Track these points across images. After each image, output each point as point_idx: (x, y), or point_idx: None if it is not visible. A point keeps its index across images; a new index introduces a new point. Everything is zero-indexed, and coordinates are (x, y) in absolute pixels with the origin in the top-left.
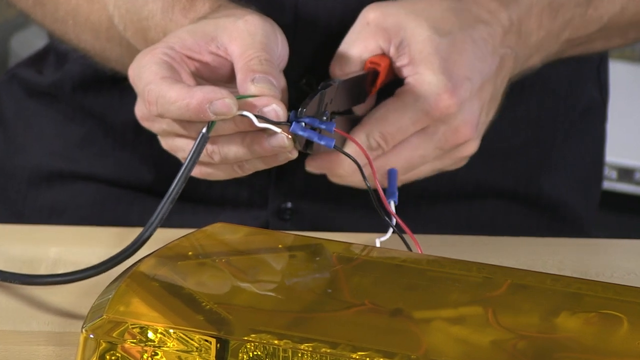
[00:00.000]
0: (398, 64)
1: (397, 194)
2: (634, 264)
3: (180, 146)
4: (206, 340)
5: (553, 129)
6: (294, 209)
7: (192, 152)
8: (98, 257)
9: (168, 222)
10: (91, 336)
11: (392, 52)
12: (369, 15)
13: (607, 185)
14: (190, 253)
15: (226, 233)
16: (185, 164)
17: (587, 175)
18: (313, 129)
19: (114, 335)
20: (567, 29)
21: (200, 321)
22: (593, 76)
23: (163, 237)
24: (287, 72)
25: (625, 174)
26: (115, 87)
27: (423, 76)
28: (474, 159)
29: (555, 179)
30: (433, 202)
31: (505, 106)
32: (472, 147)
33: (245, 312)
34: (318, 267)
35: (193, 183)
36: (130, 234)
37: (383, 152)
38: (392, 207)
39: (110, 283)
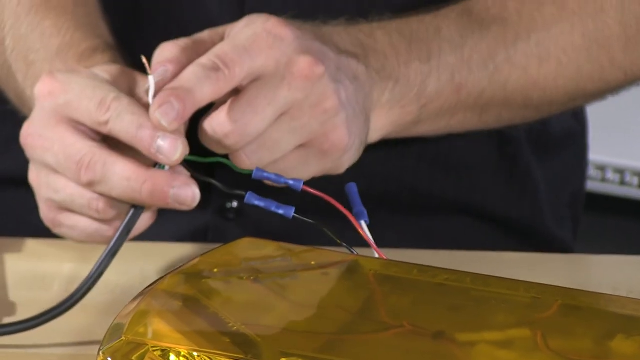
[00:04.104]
0: None
1: (365, 211)
2: None
3: (74, 224)
4: None
5: (521, 148)
6: (238, 208)
7: (123, 225)
8: (116, 273)
9: None
10: (109, 359)
11: None
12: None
13: None
14: (215, 270)
15: (254, 248)
16: (115, 239)
17: (563, 204)
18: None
19: (133, 358)
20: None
21: (227, 343)
22: None
23: (184, 252)
24: None
25: None
26: None
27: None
28: (438, 172)
29: (525, 201)
30: (393, 211)
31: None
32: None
33: (275, 334)
34: (353, 286)
35: None
36: (150, 248)
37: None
38: (365, 229)
39: (130, 302)
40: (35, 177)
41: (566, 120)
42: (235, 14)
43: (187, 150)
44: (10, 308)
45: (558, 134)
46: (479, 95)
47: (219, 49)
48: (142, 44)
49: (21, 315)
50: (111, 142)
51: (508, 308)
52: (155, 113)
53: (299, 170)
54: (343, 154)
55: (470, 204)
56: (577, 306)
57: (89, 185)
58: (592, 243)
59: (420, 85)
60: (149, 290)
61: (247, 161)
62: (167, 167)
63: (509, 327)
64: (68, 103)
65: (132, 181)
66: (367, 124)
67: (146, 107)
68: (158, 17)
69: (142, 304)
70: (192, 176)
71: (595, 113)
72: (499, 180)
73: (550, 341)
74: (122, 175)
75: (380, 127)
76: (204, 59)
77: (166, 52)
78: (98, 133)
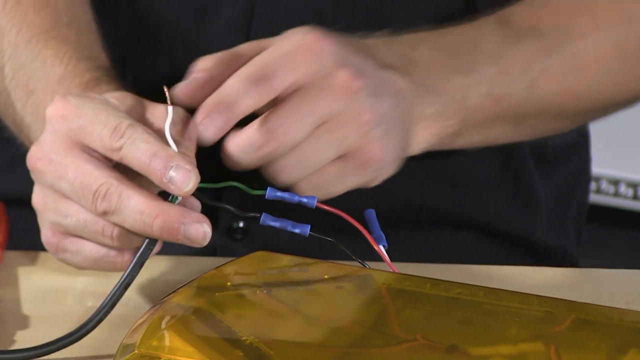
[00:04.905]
0: None
1: (384, 236)
2: None
3: (79, 249)
4: None
5: (525, 163)
6: (245, 228)
7: (137, 257)
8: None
9: None
10: None
11: None
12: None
13: None
14: (228, 283)
15: (267, 262)
16: (129, 270)
17: (567, 216)
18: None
19: None
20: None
21: (240, 357)
22: None
23: (198, 266)
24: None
25: None
26: None
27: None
28: (444, 188)
29: (528, 216)
30: (399, 228)
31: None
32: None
33: (287, 348)
34: (366, 299)
35: None
36: (163, 262)
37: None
38: (383, 252)
39: (143, 315)
40: (41, 200)
41: (568, 133)
42: (241, 35)
43: (198, 180)
44: (24, 321)
45: (560, 147)
46: (516, 107)
47: (260, 59)
48: (147, 65)
49: (34, 328)
50: (120, 167)
51: (521, 322)
52: (199, 126)
53: (335, 184)
54: (379, 168)
55: (475, 219)
56: (590, 320)
57: (103, 214)
58: (603, 256)
59: (462, 99)
60: (162, 304)
61: (283, 174)
62: (179, 197)
63: (522, 341)
64: (81, 128)
65: (145, 215)
66: (406, 139)
67: (158, 133)
68: (163, 38)
69: (156, 317)
70: (204, 202)
71: (606, 128)
72: (503, 195)
73: (564, 355)
74: (136, 208)
75: (422, 140)
76: (246, 69)
77: (201, 63)
78: (109, 159)
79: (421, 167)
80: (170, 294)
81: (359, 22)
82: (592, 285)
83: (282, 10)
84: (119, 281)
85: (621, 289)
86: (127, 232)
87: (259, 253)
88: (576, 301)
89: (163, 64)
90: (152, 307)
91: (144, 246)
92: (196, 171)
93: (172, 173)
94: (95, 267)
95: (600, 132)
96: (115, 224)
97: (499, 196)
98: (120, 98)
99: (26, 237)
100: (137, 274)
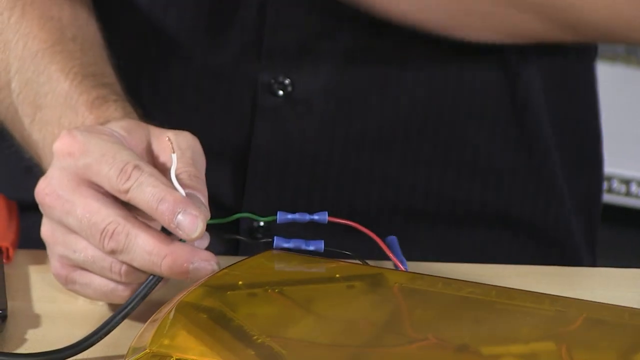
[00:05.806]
0: None
1: (405, 260)
2: None
3: (88, 282)
4: None
5: (548, 154)
6: (266, 227)
7: (140, 292)
8: None
9: None
10: None
11: None
12: None
13: None
14: (240, 282)
15: (278, 261)
16: (130, 302)
17: (587, 208)
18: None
19: None
20: None
21: (251, 356)
22: (592, 107)
23: None
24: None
25: None
26: None
27: None
28: (464, 181)
29: (552, 208)
30: (418, 223)
31: (497, 124)
32: None
33: (299, 347)
34: (378, 299)
35: None
36: None
37: None
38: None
39: (154, 314)
40: (50, 234)
41: (586, 136)
42: (255, 47)
43: (208, 219)
44: (35, 320)
45: (582, 150)
46: None
47: None
48: (162, 74)
49: (45, 327)
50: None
51: (533, 321)
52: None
53: None
54: None
55: (497, 214)
56: (601, 320)
57: (111, 253)
58: (614, 256)
59: None
60: (173, 302)
61: None
62: None
63: (533, 340)
64: (88, 166)
65: (153, 255)
66: None
67: (165, 166)
68: (179, 48)
69: (167, 316)
70: (218, 235)
71: (617, 127)
72: (523, 184)
73: (575, 354)
74: (144, 248)
75: None
76: None
77: None
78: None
79: (440, 157)
80: (181, 293)
81: (366, 33)
82: (603, 284)
83: (292, 25)
84: (118, 310)
85: (632, 288)
86: (135, 270)
87: (270, 252)
88: (588, 300)
89: (178, 72)
90: (163, 306)
91: (148, 281)
92: (204, 215)
93: (180, 218)
94: (105, 300)
95: (611, 132)
96: (123, 262)
97: (518, 186)
98: (127, 128)
99: (41, 242)
100: (136, 307)
